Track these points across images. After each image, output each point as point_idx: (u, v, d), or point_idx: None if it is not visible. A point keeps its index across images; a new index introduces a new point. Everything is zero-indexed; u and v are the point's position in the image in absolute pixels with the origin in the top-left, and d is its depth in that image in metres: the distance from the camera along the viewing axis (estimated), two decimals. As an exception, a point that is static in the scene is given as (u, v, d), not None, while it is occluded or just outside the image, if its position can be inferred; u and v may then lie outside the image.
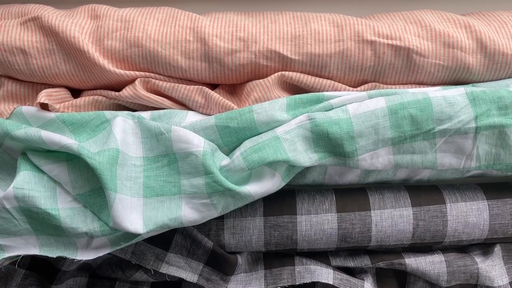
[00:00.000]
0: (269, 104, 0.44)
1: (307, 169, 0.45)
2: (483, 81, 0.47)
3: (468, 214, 0.45)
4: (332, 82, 0.47)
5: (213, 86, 0.49)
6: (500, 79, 0.47)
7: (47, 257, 0.43)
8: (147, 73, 0.46)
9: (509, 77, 0.47)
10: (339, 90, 0.47)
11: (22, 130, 0.40)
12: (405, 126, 0.42)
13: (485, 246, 0.48)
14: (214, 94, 0.45)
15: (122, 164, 0.41)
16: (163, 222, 0.40)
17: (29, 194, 0.40)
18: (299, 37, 0.46)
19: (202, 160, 0.41)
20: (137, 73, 0.46)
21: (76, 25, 0.45)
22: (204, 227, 0.45)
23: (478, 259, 0.46)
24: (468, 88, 0.44)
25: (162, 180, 0.42)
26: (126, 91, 0.46)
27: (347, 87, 0.47)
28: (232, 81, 0.48)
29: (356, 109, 0.43)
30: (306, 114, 0.43)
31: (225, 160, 0.42)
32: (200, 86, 0.46)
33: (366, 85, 0.47)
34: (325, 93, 0.45)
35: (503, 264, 0.47)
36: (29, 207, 0.40)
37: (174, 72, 0.46)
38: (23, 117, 0.44)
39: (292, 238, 0.45)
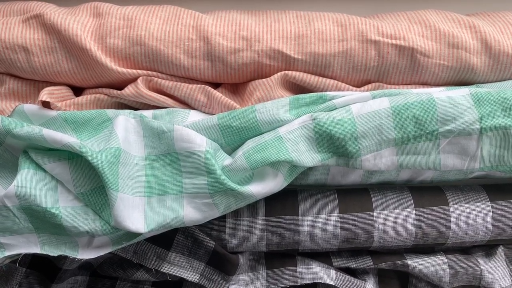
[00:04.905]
0: (272, 103, 0.43)
1: (309, 169, 0.45)
2: (487, 82, 0.47)
3: (471, 216, 0.45)
4: (336, 82, 0.46)
5: (215, 85, 0.49)
6: (505, 80, 0.47)
7: (48, 255, 0.43)
8: (149, 72, 0.46)
9: (513, 78, 0.47)
10: (343, 90, 0.46)
11: (24, 128, 0.40)
12: (408, 126, 0.42)
13: (488, 248, 0.48)
14: (217, 93, 0.45)
15: (124, 163, 0.41)
16: (164, 221, 0.40)
17: (31, 192, 0.40)
18: (303, 37, 0.45)
19: (204, 160, 0.40)
20: (140, 71, 0.46)
21: (78, 23, 0.45)
22: (206, 226, 0.45)
23: (481, 261, 0.46)
24: (473, 89, 0.44)
25: (164, 179, 0.42)
26: (128, 90, 0.45)
27: (351, 87, 0.47)
28: (234, 80, 0.48)
29: (360, 109, 0.43)
30: (309, 114, 0.43)
31: (227, 160, 0.42)
32: (203, 85, 0.46)
33: (369, 85, 0.47)
34: (328, 93, 0.45)
35: (506, 266, 0.47)
36: (31, 206, 0.40)
37: (177, 70, 0.46)
38: (25, 115, 0.43)
39: (294, 239, 0.45)
